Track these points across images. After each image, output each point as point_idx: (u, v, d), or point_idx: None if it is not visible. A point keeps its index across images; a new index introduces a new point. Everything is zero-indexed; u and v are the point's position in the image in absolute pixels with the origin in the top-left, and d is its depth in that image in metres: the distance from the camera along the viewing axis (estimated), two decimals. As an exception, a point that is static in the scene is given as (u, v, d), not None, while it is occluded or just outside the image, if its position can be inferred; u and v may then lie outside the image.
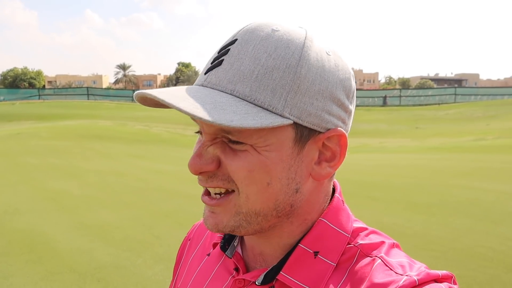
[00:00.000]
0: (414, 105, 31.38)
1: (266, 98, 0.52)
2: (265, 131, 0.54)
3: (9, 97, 35.08)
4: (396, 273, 0.54)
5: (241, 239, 0.69)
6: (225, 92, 0.53)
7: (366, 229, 0.62)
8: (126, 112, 27.38)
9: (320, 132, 0.56)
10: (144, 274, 3.85)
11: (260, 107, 0.52)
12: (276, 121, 0.52)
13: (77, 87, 50.52)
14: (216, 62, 0.55)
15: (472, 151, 11.44)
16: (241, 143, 0.54)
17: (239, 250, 0.67)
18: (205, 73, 0.56)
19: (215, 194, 0.58)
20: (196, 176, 0.59)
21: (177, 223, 5.38)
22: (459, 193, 6.33)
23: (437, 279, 0.54)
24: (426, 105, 30.99)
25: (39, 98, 35.27)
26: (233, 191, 0.56)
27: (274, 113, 0.52)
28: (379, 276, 0.54)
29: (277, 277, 0.59)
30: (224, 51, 0.55)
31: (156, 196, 6.97)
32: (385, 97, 33.44)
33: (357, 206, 6.00)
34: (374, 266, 0.56)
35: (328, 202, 0.62)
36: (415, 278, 0.53)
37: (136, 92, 0.53)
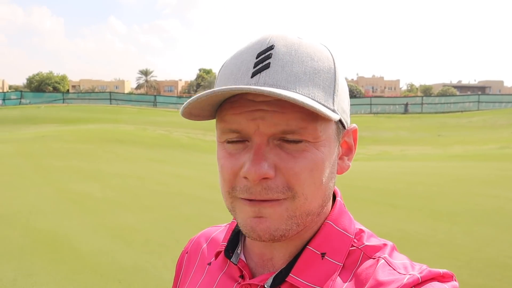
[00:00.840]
0: (436, 113, 30.91)
1: (321, 95, 0.56)
2: (322, 127, 0.56)
3: (34, 101, 35.89)
4: (399, 273, 0.56)
5: (244, 246, 0.69)
6: (289, 90, 0.54)
7: (365, 231, 0.64)
8: (147, 117, 27.73)
9: (345, 129, 0.62)
10: (164, 277, 3.88)
11: (319, 103, 0.55)
12: (335, 115, 0.55)
13: (100, 92, 51.52)
14: (262, 66, 0.56)
15: (496, 159, 11.19)
16: (300, 141, 0.55)
17: (242, 257, 0.67)
18: (252, 76, 0.56)
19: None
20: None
21: (197, 228, 5.30)
22: (483, 201, 6.20)
23: (439, 278, 0.55)
24: (448, 112, 30.49)
25: (63, 102, 35.96)
26: (285, 198, 0.56)
27: (329, 109, 0.56)
28: (383, 275, 0.56)
29: (286, 279, 0.60)
30: (264, 55, 0.57)
31: (177, 200, 7.03)
32: (406, 104, 33.02)
33: (379, 213, 5.96)
34: (377, 266, 0.58)
35: (331, 205, 0.64)
36: (418, 276, 0.54)
37: (212, 91, 0.53)
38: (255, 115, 0.55)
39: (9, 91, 57.30)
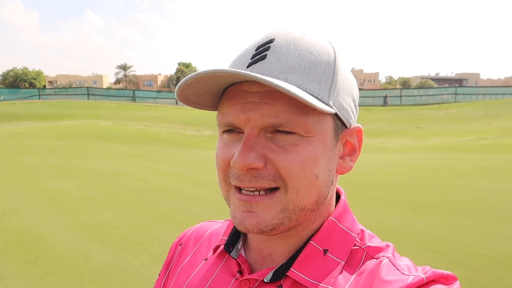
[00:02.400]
0: (415, 105, 31.29)
1: (315, 88, 0.55)
2: (315, 120, 0.56)
3: (9, 97, 34.97)
4: (403, 273, 0.56)
5: (245, 241, 0.69)
6: (279, 80, 0.54)
7: (367, 232, 0.64)
8: (126, 112, 27.32)
9: (346, 127, 0.61)
10: (142, 276, 3.79)
11: (311, 95, 0.55)
12: (328, 108, 0.55)
13: (77, 87, 50.48)
14: (259, 57, 0.56)
15: (473, 150, 11.38)
16: (291, 133, 0.55)
17: (242, 252, 0.67)
18: (248, 66, 0.57)
19: (253, 191, 0.57)
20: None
21: (177, 223, 5.32)
22: (461, 192, 6.27)
23: (442, 279, 0.56)
24: (426, 104, 30.89)
25: (39, 98, 35.16)
26: (277, 188, 0.56)
27: (323, 102, 0.56)
28: (387, 274, 0.56)
29: (287, 274, 0.59)
30: (263, 48, 0.57)
31: (156, 196, 6.92)
32: (385, 97, 33.35)
33: (358, 205, 5.95)
34: (381, 265, 0.57)
35: (334, 203, 0.65)
36: (423, 276, 0.55)
37: (202, 72, 0.53)
38: (246, 107, 0.55)
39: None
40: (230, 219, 0.69)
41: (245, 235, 0.69)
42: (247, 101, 0.55)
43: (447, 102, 30.97)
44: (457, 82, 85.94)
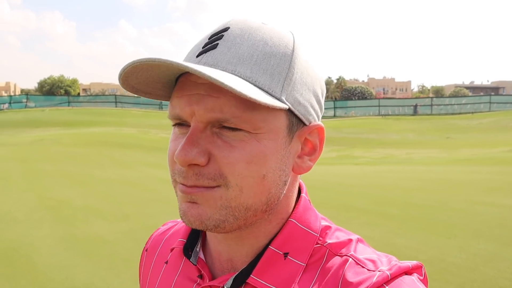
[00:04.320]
0: (446, 114, 30.19)
1: (266, 81, 0.52)
2: (264, 116, 0.52)
3: (40, 104, 35.88)
4: (368, 269, 0.54)
5: (204, 243, 0.66)
6: (226, 72, 0.51)
7: (331, 227, 0.61)
8: (152, 120, 27.50)
9: (304, 125, 0.57)
10: (117, 298, 3.49)
11: (260, 89, 0.52)
12: (279, 103, 0.51)
13: (104, 95, 51.52)
14: (210, 46, 0.54)
15: (506, 163, 10.62)
16: (238, 129, 0.52)
17: (201, 255, 0.64)
18: (197, 56, 0.54)
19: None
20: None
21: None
22: (485, 211, 5.69)
23: (408, 271, 0.55)
24: (459, 114, 29.70)
25: (68, 105, 35.99)
26: (218, 185, 0.53)
27: (274, 96, 0.53)
28: (352, 276, 0.54)
29: (247, 281, 0.57)
30: (216, 36, 0.55)
31: (160, 209, 6.65)
32: (415, 106, 32.35)
33: (368, 224, 5.51)
34: (346, 266, 0.55)
35: (295, 202, 0.61)
36: (388, 273, 0.53)
37: (136, 60, 0.50)
38: (192, 99, 0.52)
39: (18, 94, 57.68)
40: None
41: (204, 236, 0.67)
42: (193, 93, 0.52)
43: (481, 111, 29.69)
44: (493, 90, 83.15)
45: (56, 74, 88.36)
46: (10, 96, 42.97)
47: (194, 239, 0.66)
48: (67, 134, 19.05)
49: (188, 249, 0.65)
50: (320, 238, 0.59)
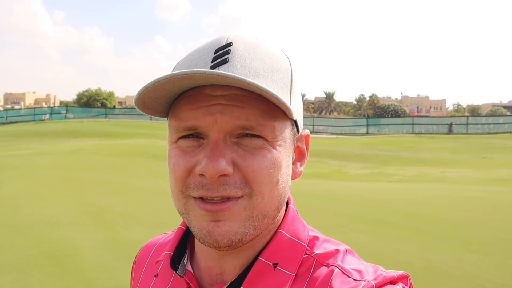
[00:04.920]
0: (482, 133, 29.38)
1: (279, 93, 0.54)
2: (279, 126, 0.56)
3: (79, 115, 37.33)
4: (354, 279, 0.55)
5: (192, 256, 0.66)
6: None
7: (319, 238, 0.62)
8: (185, 132, 28.01)
9: (298, 133, 0.61)
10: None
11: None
12: (293, 113, 0.55)
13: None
14: (221, 60, 0.54)
15: (545, 184, 10.31)
16: (257, 137, 0.54)
17: (189, 267, 0.64)
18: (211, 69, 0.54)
19: (215, 198, 0.54)
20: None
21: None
22: (522, 231, 5.60)
23: (393, 281, 0.55)
24: (496, 133, 28.89)
25: (105, 117, 37.19)
26: (242, 196, 0.54)
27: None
28: (339, 285, 0.55)
29: None
30: (223, 51, 0.55)
31: (194, 217, 6.84)
32: (450, 124, 31.65)
33: (402, 240, 5.51)
34: (332, 275, 0.56)
35: (284, 213, 0.63)
36: (373, 282, 0.54)
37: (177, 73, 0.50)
38: (213, 109, 0.53)
39: (58, 106, 59.92)
40: (177, 228, 0.69)
41: (191, 248, 0.66)
42: (212, 104, 0.53)
43: (520, 132, 28.77)
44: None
45: (93, 86, 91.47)
46: (51, 107, 44.74)
47: (181, 252, 0.66)
48: (104, 144, 19.72)
49: (175, 261, 0.64)
50: (308, 248, 0.60)
